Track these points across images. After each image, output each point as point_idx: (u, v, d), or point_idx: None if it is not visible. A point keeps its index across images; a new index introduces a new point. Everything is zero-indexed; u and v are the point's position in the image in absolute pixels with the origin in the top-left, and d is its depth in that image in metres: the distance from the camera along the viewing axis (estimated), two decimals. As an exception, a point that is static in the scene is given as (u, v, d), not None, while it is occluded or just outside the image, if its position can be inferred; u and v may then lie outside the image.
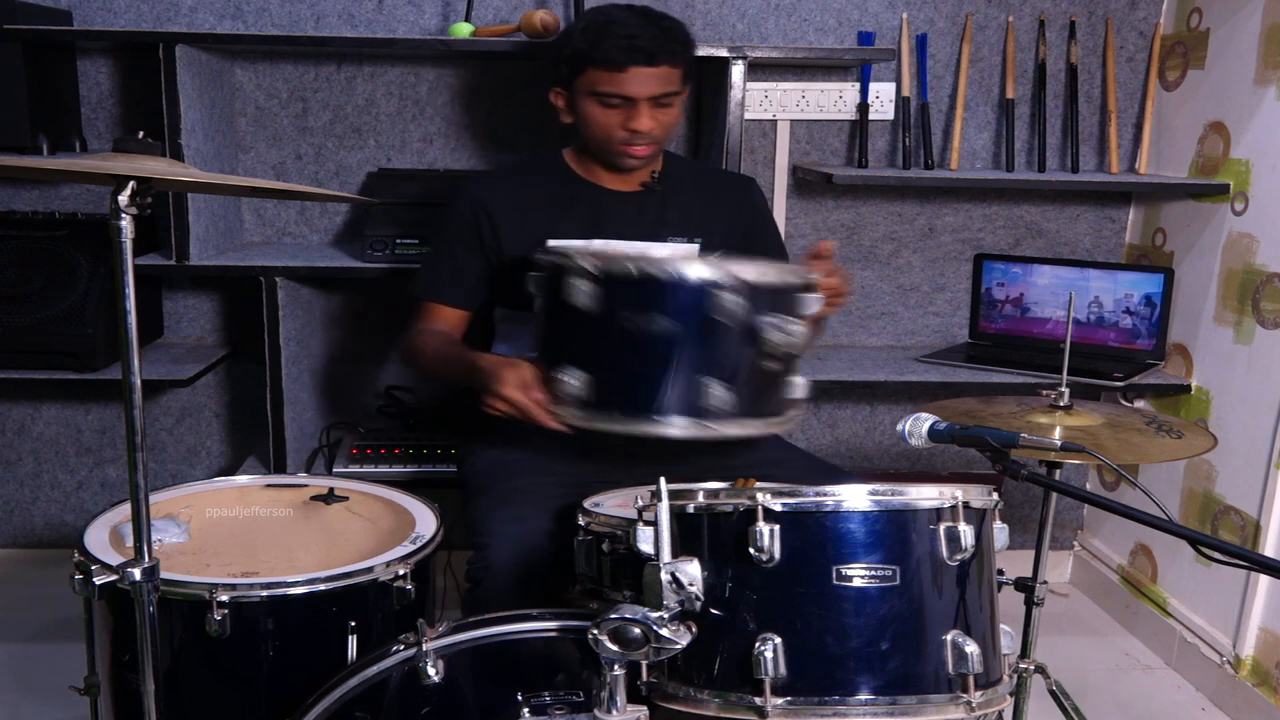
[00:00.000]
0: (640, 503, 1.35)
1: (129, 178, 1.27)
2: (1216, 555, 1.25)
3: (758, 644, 1.23)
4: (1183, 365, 2.68)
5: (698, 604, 1.26)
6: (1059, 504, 2.96)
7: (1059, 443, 1.51)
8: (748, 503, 1.27)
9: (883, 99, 2.75)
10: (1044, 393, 1.85)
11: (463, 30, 2.47)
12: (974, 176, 2.69)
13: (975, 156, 2.84)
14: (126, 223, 1.28)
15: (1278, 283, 2.38)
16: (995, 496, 1.36)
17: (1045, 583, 1.85)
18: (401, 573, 1.61)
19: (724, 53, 2.36)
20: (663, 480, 1.25)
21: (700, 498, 1.31)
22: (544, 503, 1.79)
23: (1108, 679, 2.61)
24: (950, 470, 2.91)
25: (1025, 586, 1.83)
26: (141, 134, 1.39)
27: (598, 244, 1.93)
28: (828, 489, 1.28)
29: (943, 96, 2.79)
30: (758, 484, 1.64)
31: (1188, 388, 2.64)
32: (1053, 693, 1.90)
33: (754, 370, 1.59)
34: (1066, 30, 2.78)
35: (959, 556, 1.29)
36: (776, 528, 1.25)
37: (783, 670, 1.23)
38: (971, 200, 2.87)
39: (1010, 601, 1.58)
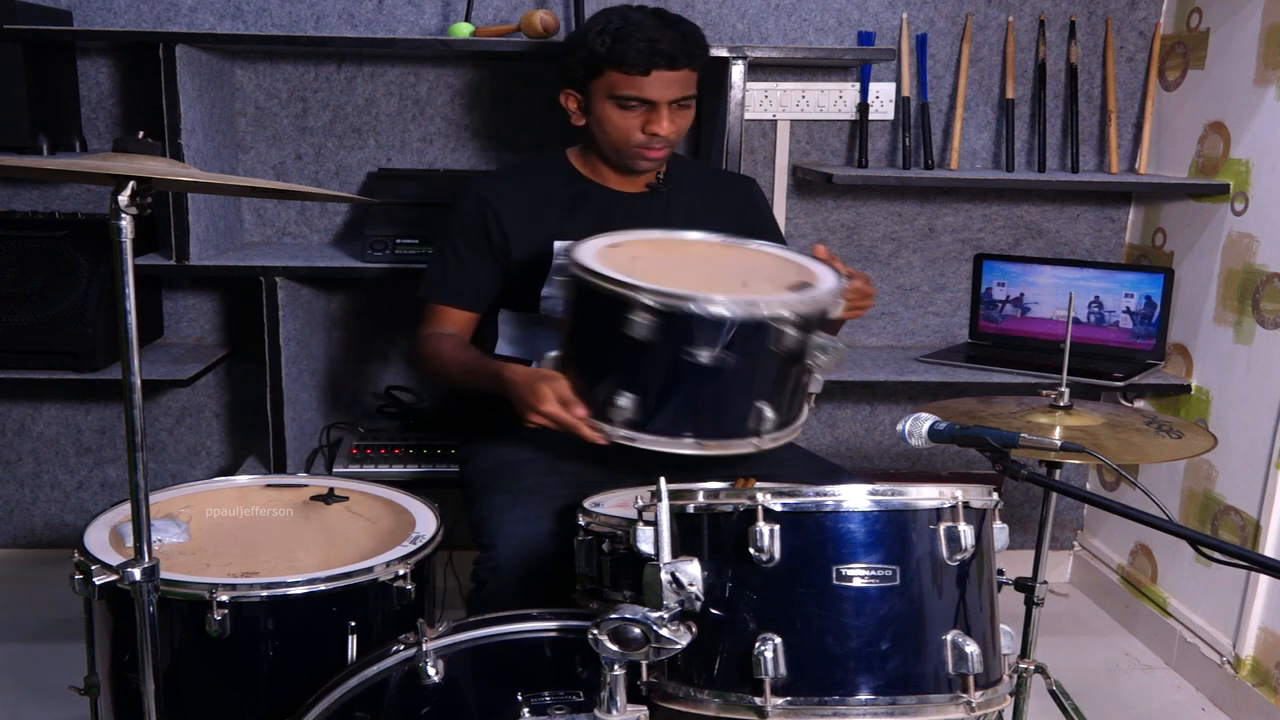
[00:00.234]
0: (640, 503, 1.35)
1: (129, 178, 1.27)
2: (1216, 555, 1.25)
3: (758, 644, 1.23)
4: (1183, 365, 2.68)
5: (698, 604, 1.26)
6: (1059, 504, 2.96)
7: (1059, 443, 1.51)
8: (748, 503, 1.27)
9: (883, 99, 2.75)
10: (1044, 393, 1.85)
11: (463, 30, 2.47)
12: (974, 176, 2.69)
13: (975, 156, 2.84)
14: (126, 223, 1.28)
15: (1278, 283, 2.38)
16: (995, 496, 1.36)
17: (1045, 583, 1.85)
18: (401, 573, 1.61)
19: (724, 53, 2.36)
20: (663, 480, 1.25)
21: (700, 498, 1.31)
22: (549, 503, 1.79)
23: (1108, 679, 2.61)
24: (950, 470, 2.91)
25: (1025, 586, 1.83)
26: (141, 134, 1.39)
27: (652, 235, 1.86)
28: (828, 489, 1.28)
29: (943, 96, 2.79)
30: (758, 484, 1.64)
31: (1188, 388, 2.64)
32: (1053, 693, 1.90)
33: (796, 386, 1.65)
34: (1066, 30, 2.78)
35: (959, 556, 1.29)
36: (776, 528, 1.25)
37: (783, 670, 1.23)
38: (971, 200, 2.87)
39: (1010, 601, 1.58)
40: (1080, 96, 2.78)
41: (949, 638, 1.27)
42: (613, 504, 1.62)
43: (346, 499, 1.90)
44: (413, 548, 1.66)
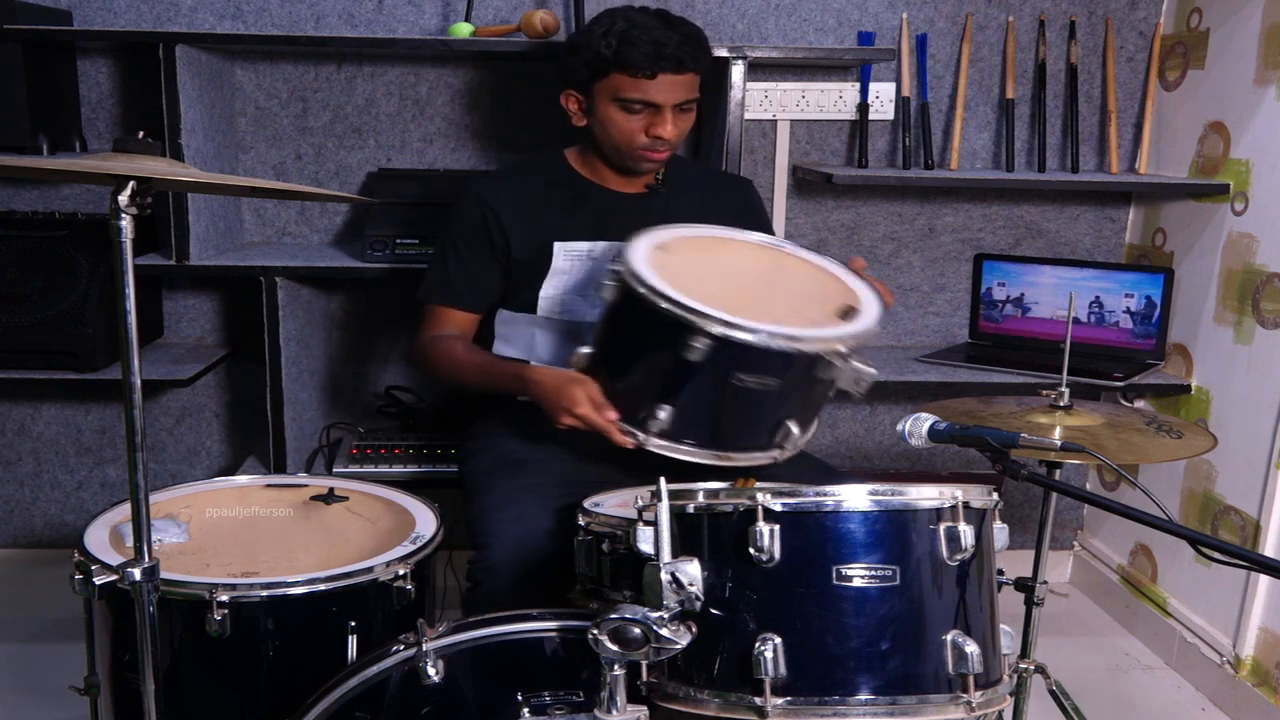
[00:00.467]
0: (640, 503, 1.35)
1: (129, 178, 1.27)
2: (1216, 555, 1.25)
3: (758, 644, 1.23)
4: (1183, 365, 2.68)
5: (698, 604, 1.26)
6: (1059, 504, 2.96)
7: (1059, 443, 1.51)
8: (748, 503, 1.27)
9: (883, 99, 2.75)
10: (1044, 393, 1.85)
11: (463, 30, 2.47)
12: (974, 176, 2.69)
13: (975, 156, 2.84)
14: (126, 223, 1.28)
15: (1278, 283, 2.38)
16: (995, 496, 1.36)
17: (1045, 583, 1.84)
18: (401, 573, 1.61)
19: (724, 53, 2.36)
20: (663, 480, 1.25)
21: (700, 498, 1.31)
22: (545, 503, 1.79)
23: (1108, 679, 2.61)
24: (950, 470, 2.91)
25: (1025, 586, 1.83)
26: (141, 134, 1.39)
27: (697, 232, 1.85)
28: (828, 489, 1.28)
29: (943, 96, 2.79)
30: (758, 484, 1.64)
31: (1188, 388, 2.64)
32: (1053, 693, 1.90)
33: (821, 404, 1.69)
34: (1066, 30, 2.78)
35: (959, 556, 1.29)
36: (776, 528, 1.25)
37: (783, 670, 1.23)
38: (971, 200, 2.87)
39: (1010, 601, 1.58)
40: (1080, 96, 2.78)
41: (949, 638, 1.27)
42: (613, 504, 1.62)
43: (346, 499, 1.90)
44: (413, 548, 1.66)
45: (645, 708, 1.29)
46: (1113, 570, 2.94)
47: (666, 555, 1.24)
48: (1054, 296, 2.76)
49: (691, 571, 1.24)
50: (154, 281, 2.72)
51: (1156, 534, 2.29)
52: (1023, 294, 2.80)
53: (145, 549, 1.35)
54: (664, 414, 1.60)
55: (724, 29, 2.70)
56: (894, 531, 1.28)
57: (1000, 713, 1.37)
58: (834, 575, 1.25)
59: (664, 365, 1.60)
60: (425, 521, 1.76)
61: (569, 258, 2.04)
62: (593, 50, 1.92)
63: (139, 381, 1.33)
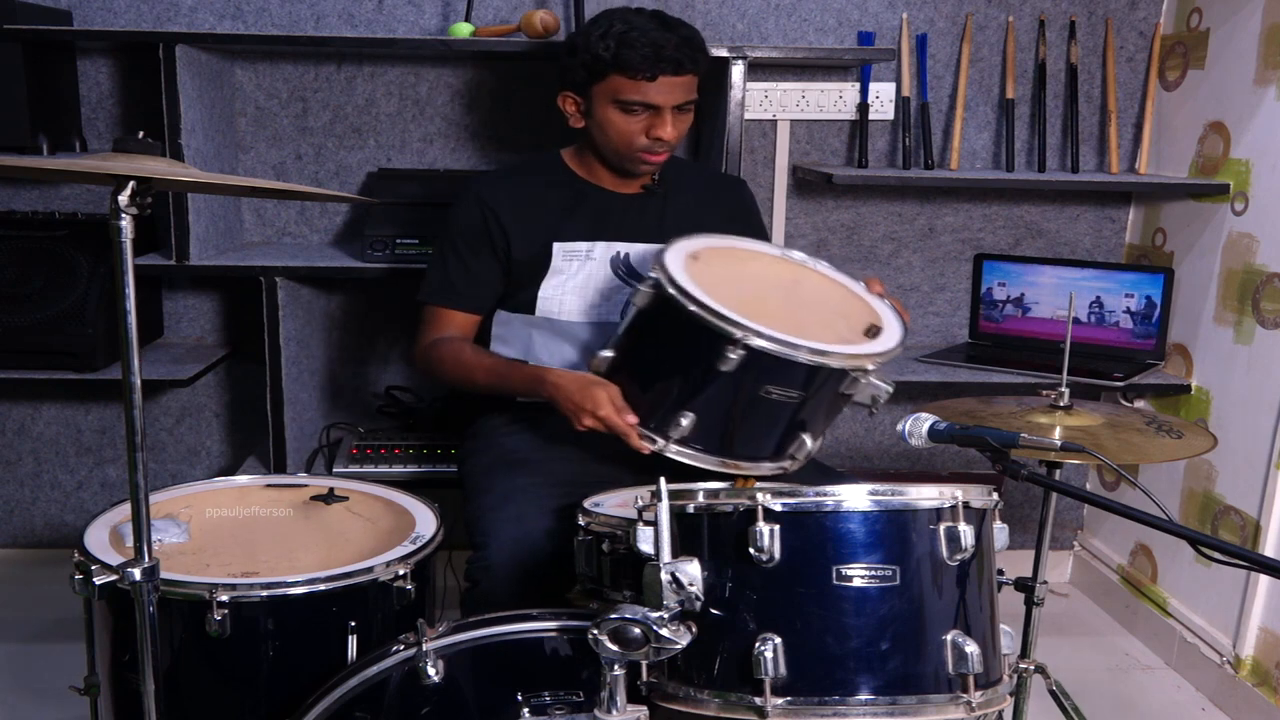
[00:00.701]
0: (640, 503, 1.35)
1: (129, 178, 1.27)
2: (1216, 555, 1.25)
3: (758, 644, 1.23)
4: (1183, 365, 2.68)
5: (698, 604, 1.26)
6: (1059, 504, 2.96)
7: (1059, 443, 1.51)
8: (748, 503, 1.27)
9: (883, 99, 2.75)
10: (1044, 393, 1.86)
11: (463, 30, 2.47)
12: (974, 176, 2.69)
13: (975, 156, 2.84)
14: (126, 223, 1.28)
15: (1278, 283, 2.38)
16: (995, 496, 1.36)
17: (1045, 583, 1.84)
18: (401, 573, 1.61)
19: (724, 53, 2.36)
20: (663, 480, 1.25)
21: (700, 498, 1.31)
22: (544, 502, 1.79)
23: (1108, 679, 2.61)
24: (950, 470, 2.91)
25: (1025, 586, 1.83)
26: (141, 134, 1.39)
27: (724, 242, 1.85)
28: (828, 489, 1.28)
29: (943, 96, 2.79)
30: (757, 484, 1.64)
31: (1188, 388, 2.64)
32: (1053, 693, 1.90)
33: (834, 417, 1.72)
34: (1066, 30, 2.78)
35: (959, 556, 1.29)
36: (776, 528, 1.25)
37: (783, 670, 1.23)
38: (971, 200, 2.87)
39: (1010, 601, 1.58)
40: (1080, 96, 2.78)
41: (949, 638, 1.27)
42: (613, 504, 1.63)
43: (346, 499, 1.90)
44: (413, 548, 1.66)
45: (645, 708, 1.29)
46: (1113, 570, 2.94)
47: (666, 555, 1.24)
48: (1054, 296, 2.76)
49: (691, 571, 1.25)
50: (154, 281, 2.72)
51: (1156, 534, 2.29)
52: (1023, 294, 2.80)
53: (145, 549, 1.35)
54: (686, 421, 1.61)
55: (724, 29, 2.71)
56: (894, 531, 1.28)
57: (1000, 713, 1.37)
58: (834, 575, 1.25)
59: (693, 373, 1.60)
60: (425, 521, 1.76)
61: (567, 258, 2.04)
62: (591, 52, 1.92)
63: (139, 381, 1.33)
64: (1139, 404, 2.78)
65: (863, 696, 1.23)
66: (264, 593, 1.54)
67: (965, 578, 1.30)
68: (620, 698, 1.27)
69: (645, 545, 1.26)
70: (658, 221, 2.09)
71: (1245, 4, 2.48)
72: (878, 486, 1.29)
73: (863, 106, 2.73)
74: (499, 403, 2.10)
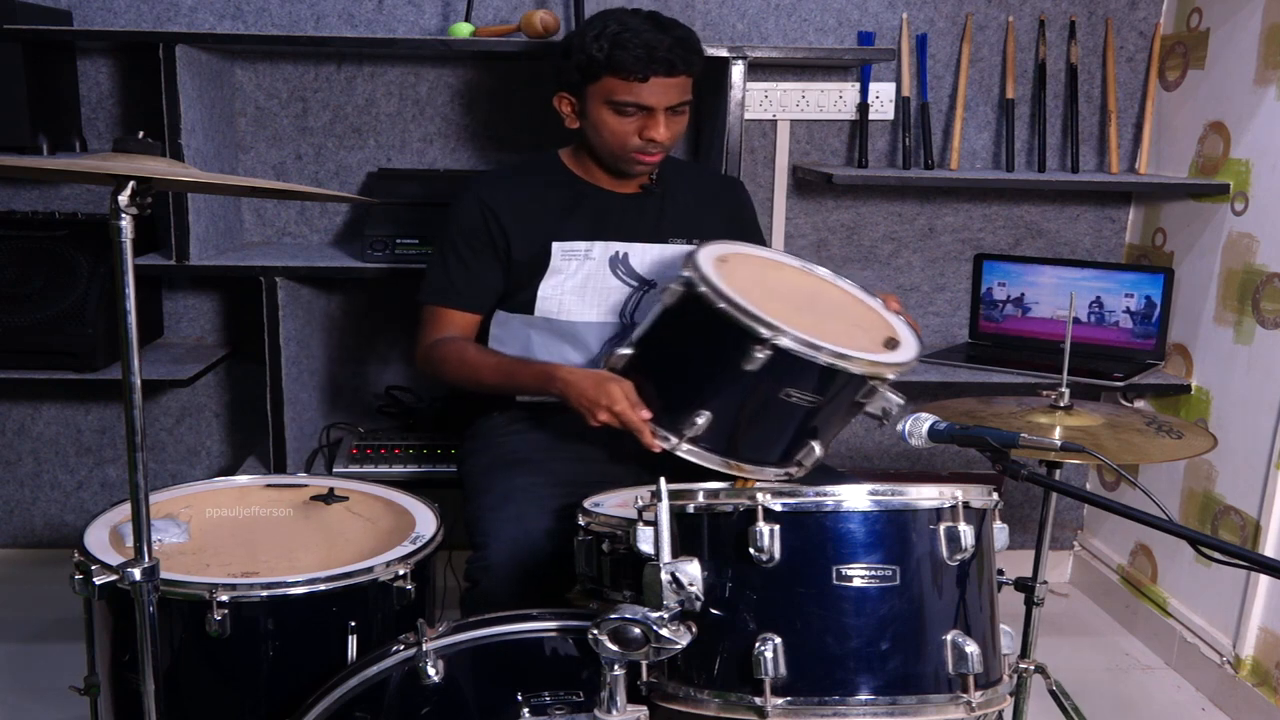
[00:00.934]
0: (640, 503, 1.35)
1: (129, 178, 1.27)
2: (1216, 555, 1.25)
3: (758, 644, 1.23)
4: (1183, 365, 2.68)
5: (698, 604, 1.26)
6: (1059, 504, 2.96)
7: (1059, 443, 1.51)
8: (748, 503, 1.27)
9: (883, 99, 2.75)
10: (1044, 393, 1.86)
11: (463, 30, 2.47)
12: (974, 176, 2.69)
13: (975, 156, 2.84)
14: (126, 223, 1.28)
15: (1278, 283, 2.38)
16: (995, 496, 1.36)
17: (1045, 583, 1.85)
18: (401, 573, 1.61)
19: (724, 53, 2.36)
20: (663, 480, 1.25)
21: (700, 498, 1.31)
22: (543, 502, 1.79)
23: (1108, 679, 2.61)
24: (950, 470, 2.91)
25: (1025, 586, 1.83)
26: (141, 134, 1.39)
27: (747, 250, 1.86)
28: (828, 489, 1.28)
29: (943, 96, 2.79)
30: (757, 484, 1.64)
31: (1188, 388, 2.64)
32: (1053, 693, 1.90)
33: (842, 426, 1.73)
34: (1066, 30, 2.78)
35: (959, 556, 1.29)
36: (776, 528, 1.25)
37: (783, 670, 1.23)
38: (971, 200, 2.87)
39: (1010, 601, 1.58)
40: (1080, 96, 2.78)
41: (949, 638, 1.27)
42: (613, 504, 1.63)
43: (346, 499, 1.90)
44: (413, 548, 1.66)
45: (645, 708, 1.29)
46: (1113, 570, 2.94)
47: (666, 555, 1.24)
48: (1054, 296, 2.76)
49: (691, 571, 1.25)
50: (154, 281, 2.72)
51: (1156, 534, 2.29)
52: (1023, 294, 2.80)
53: (145, 549, 1.35)
54: (701, 420, 1.61)
55: (724, 29, 2.71)
56: (894, 531, 1.28)
57: (1000, 713, 1.37)
58: (834, 575, 1.25)
59: (715, 372, 1.61)
60: (425, 521, 1.76)
61: (566, 257, 2.04)
62: (585, 53, 1.92)
63: (139, 381, 1.33)
64: (1139, 404, 2.78)
65: (863, 696, 1.24)
66: (264, 593, 1.54)
67: (965, 578, 1.30)
68: (620, 698, 1.27)
69: (645, 545, 1.26)
70: (656, 221, 2.09)
71: (1245, 4, 2.48)
72: (878, 486, 1.29)
73: (863, 106, 2.73)
74: (499, 403, 2.10)
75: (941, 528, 1.29)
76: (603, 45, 1.89)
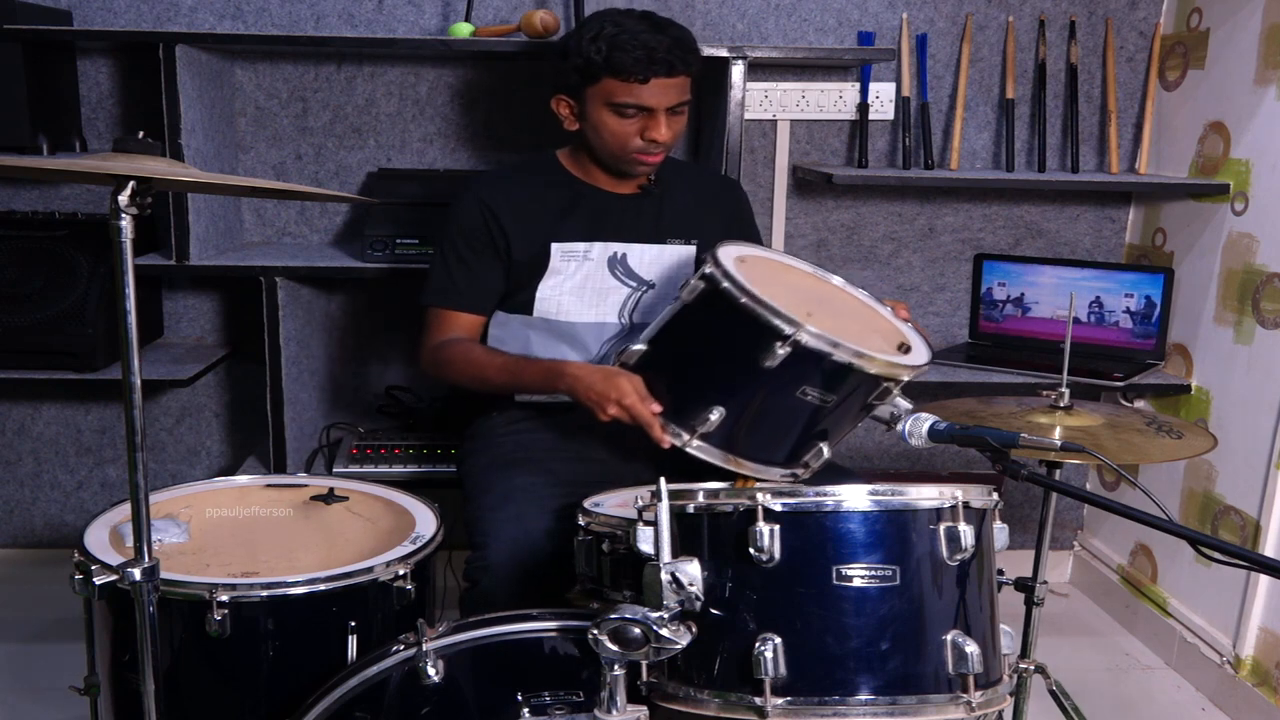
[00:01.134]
0: (640, 503, 1.35)
1: (129, 178, 1.27)
2: (1216, 555, 1.25)
3: (758, 644, 1.23)
4: (1183, 365, 2.68)
5: (698, 604, 1.26)
6: (1059, 504, 2.96)
7: (1059, 443, 1.51)
8: (748, 503, 1.27)
9: (883, 99, 2.75)
10: (1044, 393, 1.86)
11: (463, 30, 2.47)
12: (974, 176, 2.69)
13: (975, 156, 2.84)
14: (126, 223, 1.28)
15: (1278, 283, 2.38)
16: (995, 496, 1.36)
17: (1045, 583, 1.85)
18: (401, 573, 1.61)
19: (724, 53, 2.36)
20: (663, 480, 1.25)
21: (700, 498, 1.31)
22: (543, 502, 1.79)
23: (1108, 679, 2.61)
24: (950, 470, 2.91)
25: (1025, 586, 1.83)
26: (141, 134, 1.39)
27: (761, 253, 1.86)
28: (828, 489, 1.28)
29: (943, 96, 2.79)
30: (757, 484, 1.65)
31: (1188, 388, 2.64)
32: (1053, 693, 1.90)
33: (850, 429, 1.73)
34: (1066, 30, 2.78)
35: (959, 556, 1.29)
36: (776, 528, 1.25)
37: (783, 670, 1.23)
38: (971, 200, 2.87)
39: (1010, 601, 1.58)
40: (1080, 96, 2.78)
41: (949, 638, 1.27)
42: (613, 504, 1.63)
43: (346, 499, 1.90)
44: (413, 548, 1.66)
45: (645, 708, 1.29)
46: (1113, 570, 2.94)
47: (666, 555, 1.24)
48: (1054, 296, 2.76)
49: (691, 571, 1.25)
50: (154, 281, 2.72)
51: (1156, 534, 2.29)
52: (1023, 294, 2.80)
53: (145, 549, 1.35)
54: (715, 416, 1.60)
55: (724, 29, 2.71)
56: (894, 531, 1.28)
57: (1000, 713, 1.37)
58: (834, 575, 1.25)
59: (733, 368, 1.60)
60: (425, 521, 1.76)
61: (566, 258, 2.04)
62: (583, 56, 1.91)
63: (139, 381, 1.33)
64: (1139, 404, 2.78)
65: (863, 696, 1.24)
66: (264, 593, 1.54)
67: (965, 578, 1.30)
68: (620, 698, 1.27)
69: (645, 545, 1.26)
70: (654, 222, 2.09)
71: (1245, 4, 2.48)
72: (878, 486, 1.29)
73: (863, 106, 2.73)
74: (499, 403, 2.10)
75: (941, 528, 1.29)
76: (600, 47, 1.89)
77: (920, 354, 1.68)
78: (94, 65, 2.63)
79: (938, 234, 2.88)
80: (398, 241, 2.43)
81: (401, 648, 1.42)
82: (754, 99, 2.70)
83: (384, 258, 2.44)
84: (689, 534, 1.30)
